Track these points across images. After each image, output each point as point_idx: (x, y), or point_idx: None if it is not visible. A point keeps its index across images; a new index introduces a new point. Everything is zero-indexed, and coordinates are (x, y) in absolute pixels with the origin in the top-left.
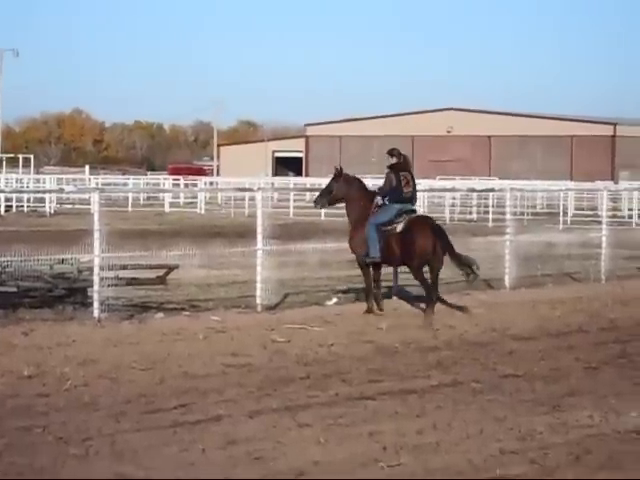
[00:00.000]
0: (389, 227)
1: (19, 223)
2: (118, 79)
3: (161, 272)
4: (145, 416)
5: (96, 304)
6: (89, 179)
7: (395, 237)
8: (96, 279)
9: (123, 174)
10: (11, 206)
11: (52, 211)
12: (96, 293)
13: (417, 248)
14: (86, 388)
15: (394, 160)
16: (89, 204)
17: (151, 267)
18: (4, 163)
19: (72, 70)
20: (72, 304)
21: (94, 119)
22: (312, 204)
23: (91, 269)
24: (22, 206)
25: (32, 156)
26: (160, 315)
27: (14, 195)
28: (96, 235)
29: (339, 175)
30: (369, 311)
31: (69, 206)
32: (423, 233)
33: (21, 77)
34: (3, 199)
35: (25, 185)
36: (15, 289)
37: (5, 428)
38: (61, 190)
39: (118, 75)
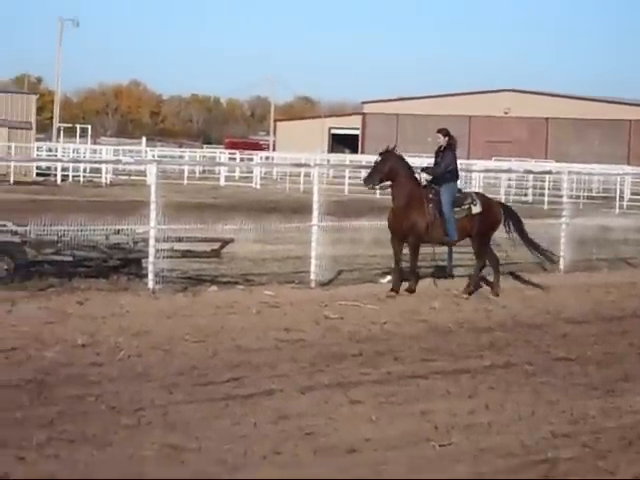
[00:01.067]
0: (458, 209)
1: (75, 193)
2: (176, 51)
3: (216, 245)
4: (197, 388)
5: (151, 275)
6: (145, 151)
7: (471, 218)
8: (151, 250)
9: (179, 147)
10: (68, 176)
11: (108, 182)
12: (151, 264)
13: (494, 228)
14: (139, 359)
15: (446, 139)
16: (145, 176)
17: (206, 240)
18: (62, 133)
19: (131, 41)
20: (127, 275)
21: (151, 91)
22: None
23: (146, 240)
24: (78, 176)
25: (89, 127)
26: (214, 288)
27: (71, 165)
28: (152, 207)
29: (389, 153)
30: (411, 290)
31: (125, 177)
32: (500, 215)
33: (80, 48)
34: (60, 169)
35: (82, 155)
36: (71, 258)
37: (58, 396)
38: (118, 161)
39: (176, 47)
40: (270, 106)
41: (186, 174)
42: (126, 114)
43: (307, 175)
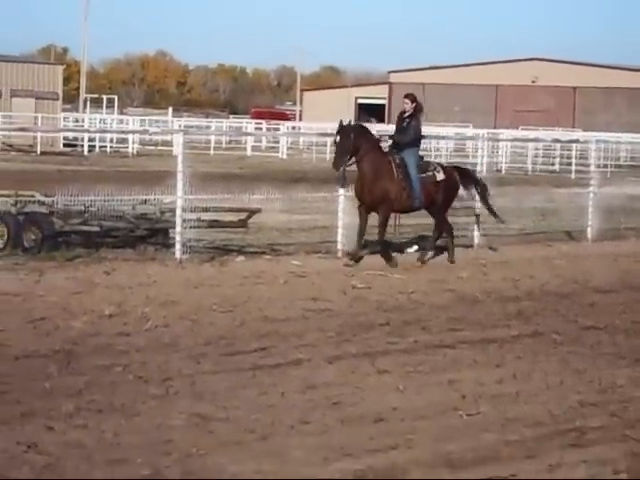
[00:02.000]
0: (424, 175)
1: (102, 163)
2: (203, 21)
3: (243, 215)
4: (225, 358)
5: (178, 245)
6: (172, 121)
7: (436, 185)
8: (178, 220)
9: (206, 117)
10: (94, 146)
11: (135, 152)
12: (178, 234)
13: (455, 195)
14: (166, 329)
15: (413, 105)
16: (171, 146)
17: (233, 210)
18: (88, 104)
19: (157, 12)
20: (154, 245)
21: (178, 61)
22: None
23: (173, 210)
24: (105, 146)
25: (116, 97)
26: (241, 258)
27: (97, 135)
28: (179, 177)
29: (347, 128)
30: (392, 263)
31: (151, 147)
32: (458, 183)
33: (106, 18)
34: (87, 139)
35: (108, 126)
36: (98, 229)
37: (86, 366)
38: (145, 131)
39: (203, 17)
40: (296, 76)
41: (213, 144)
42: (152, 84)
43: (333, 145)
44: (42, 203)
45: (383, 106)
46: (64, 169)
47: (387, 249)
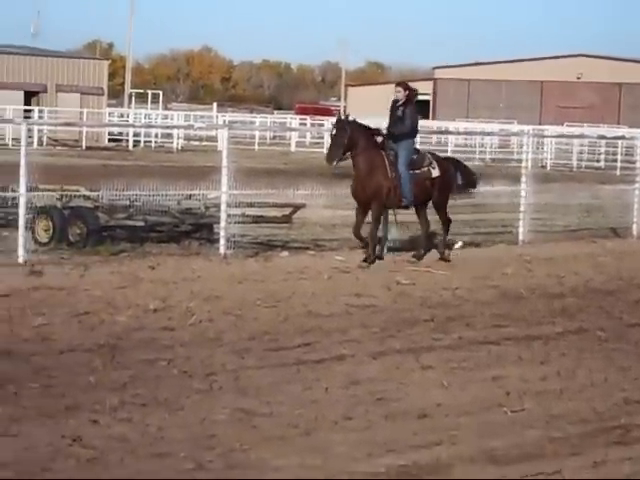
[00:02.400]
0: (418, 171)
1: (147, 158)
2: (247, 17)
3: (287, 211)
4: (269, 353)
5: (222, 240)
6: (216, 116)
7: (431, 181)
8: (223, 216)
9: (250, 112)
10: (139, 141)
11: (179, 147)
12: (222, 230)
13: (451, 191)
14: (211, 323)
15: (406, 94)
16: (216, 141)
17: (277, 205)
18: (133, 99)
19: (202, 7)
20: (198, 240)
21: (222, 57)
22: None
23: (218, 206)
24: (150, 141)
25: (160, 92)
26: (285, 253)
27: (143, 130)
28: (224, 172)
29: (344, 122)
30: (370, 261)
31: (196, 143)
32: (454, 177)
33: (152, 13)
34: (132, 134)
35: (153, 121)
36: (143, 223)
37: (130, 360)
38: (190, 126)
39: (247, 13)
40: (341, 71)
41: (257, 139)
42: (197, 80)
43: None
44: (87, 197)
45: (428, 102)
46: (109, 164)
47: (374, 245)
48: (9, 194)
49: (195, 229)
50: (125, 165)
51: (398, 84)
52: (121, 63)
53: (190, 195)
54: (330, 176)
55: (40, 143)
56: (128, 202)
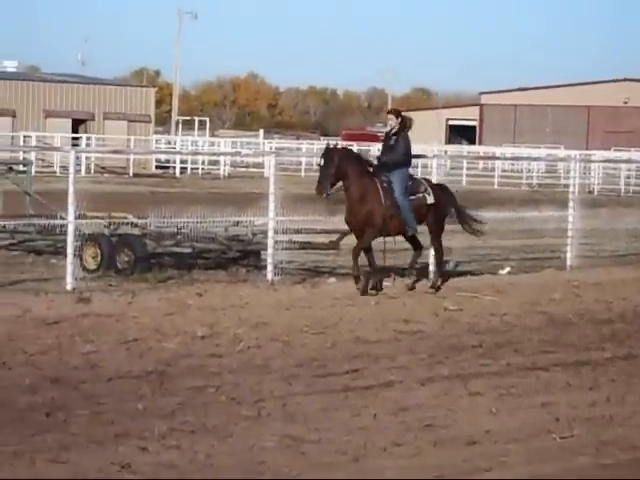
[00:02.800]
0: (414, 197)
1: (194, 185)
2: (293, 44)
3: (334, 237)
4: (317, 380)
5: (269, 267)
6: (263, 143)
7: (427, 208)
8: (270, 242)
9: (297, 139)
10: (186, 168)
11: (226, 174)
12: (270, 256)
13: (445, 217)
14: (259, 350)
15: (398, 121)
16: (262, 168)
17: (324, 232)
18: (180, 126)
19: (248, 35)
20: (246, 266)
21: (269, 83)
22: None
23: (265, 232)
24: (197, 168)
25: (207, 119)
26: (332, 280)
27: (190, 157)
28: (271, 198)
29: (331, 151)
30: (364, 292)
31: (243, 169)
32: (448, 204)
33: (199, 40)
34: (179, 161)
35: (200, 148)
36: (190, 250)
37: (179, 387)
38: (237, 153)
39: (293, 40)
40: (387, 97)
41: (303, 166)
42: (243, 106)
43: (424, 166)
44: (135, 225)
45: (474, 127)
46: (156, 191)
47: (356, 263)
48: (58, 221)
49: (242, 256)
50: (172, 192)
51: (390, 112)
52: (168, 90)
53: (237, 222)
54: None
55: (88, 170)
56: (175, 229)
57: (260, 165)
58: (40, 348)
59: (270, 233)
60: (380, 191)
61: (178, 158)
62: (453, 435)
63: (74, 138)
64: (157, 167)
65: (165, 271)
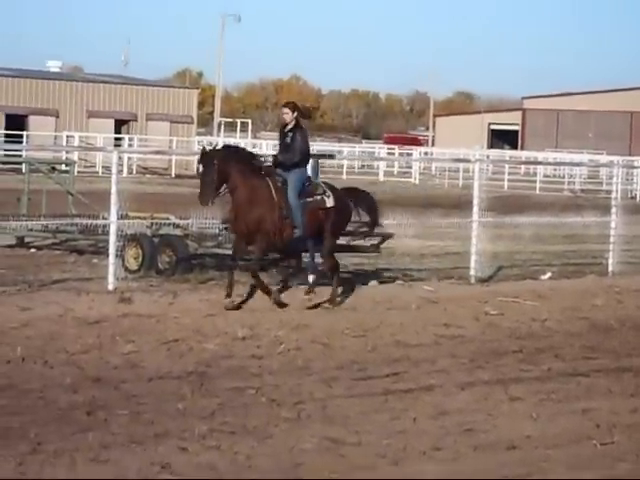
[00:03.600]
0: (310, 199)
1: None
2: (336, 46)
3: (375, 240)
4: (357, 382)
5: (310, 270)
6: None
7: (325, 211)
8: (311, 245)
9: (338, 141)
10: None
11: None
12: (310, 258)
13: (347, 223)
14: (299, 352)
15: (294, 116)
16: None
17: (366, 235)
18: (222, 127)
19: (291, 36)
20: (286, 268)
21: (311, 86)
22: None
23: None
24: None
25: (249, 121)
26: (374, 283)
27: None
28: None
29: (209, 156)
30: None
31: None
32: (351, 208)
33: (242, 42)
34: None
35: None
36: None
37: (219, 388)
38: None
39: (336, 42)
40: (429, 101)
41: (345, 169)
42: None
43: (466, 171)
44: (177, 225)
45: (516, 132)
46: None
47: (261, 282)
48: (100, 221)
49: (283, 258)
50: None
51: (285, 105)
52: (210, 92)
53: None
54: (418, 206)
55: (130, 171)
56: (217, 230)
57: None
58: (81, 347)
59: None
60: (273, 192)
61: None
62: (493, 440)
63: (116, 139)
64: None
65: (206, 272)
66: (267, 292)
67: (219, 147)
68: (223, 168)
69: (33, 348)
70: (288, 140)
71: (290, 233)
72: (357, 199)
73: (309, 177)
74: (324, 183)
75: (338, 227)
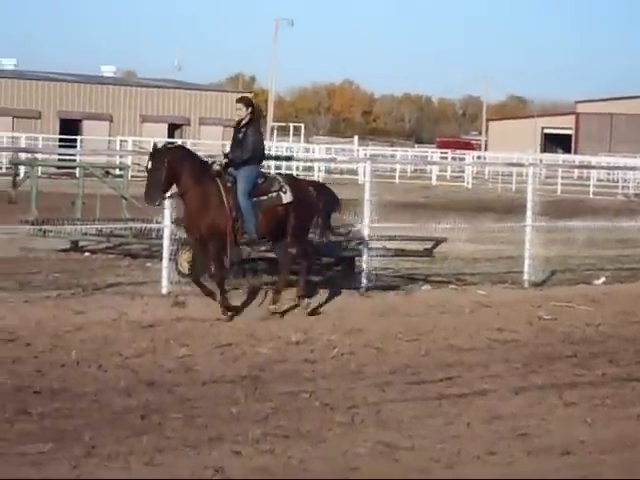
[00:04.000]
0: (264, 197)
1: None
2: (389, 51)
3: (428, 244)
4: (410, 387)
5: (364, 274)
6: (357, 150)
7: (283, 208)
8: (365, 249)
9: (391, 146)
10: (280, 174)
11: (320, 180)
12: (364, 262)
13: (313, 216)
14: (352, 356)
15: (249, 111)
16: (356, 174)
17: (419, 239)
18: (275, 132)
19: (344, 41)
20: (340, 272)
21: (364, 90)
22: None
23: (359, 239)
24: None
25: (302, 125)
26: (426, 287)
27: (284, 163)
28: (366, 205)
29: (158, 154)
30: (231, 309)
31: (337, 176)
32: (315, 200)
33: (295, 47)
34: (274, 166)
35: (295, 153)
36: None
37: (273, 392)
38: (332, 159)
39: (389, 47)
40: (482, 105)
41: (398, 173)
42: (338, 113)
43: (519, 175)
44: None
45: (569, 136)
46: None
47: (224, 292)
48: (154, 225)
49: (337, 262)
50: None
51: (239, 100)
52: (263, 96)
53: (332, 228)
54: (471, 210)
55: None
56: None
57: (353, 172)
58: (135, 351)
59: (365, 239)
60: (223, 193)
61: (273, 164)
62: (547, 445)
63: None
64: None
65: (259, 277)
66: (212, 296)
67: (171, 146)
68: (174, 168)
69: (87, 352)
70: (240, 136)
71: (242, 235)
72: (319, 192)
73: (263, 173)
74: (282, 176)
75: (302, 222)
